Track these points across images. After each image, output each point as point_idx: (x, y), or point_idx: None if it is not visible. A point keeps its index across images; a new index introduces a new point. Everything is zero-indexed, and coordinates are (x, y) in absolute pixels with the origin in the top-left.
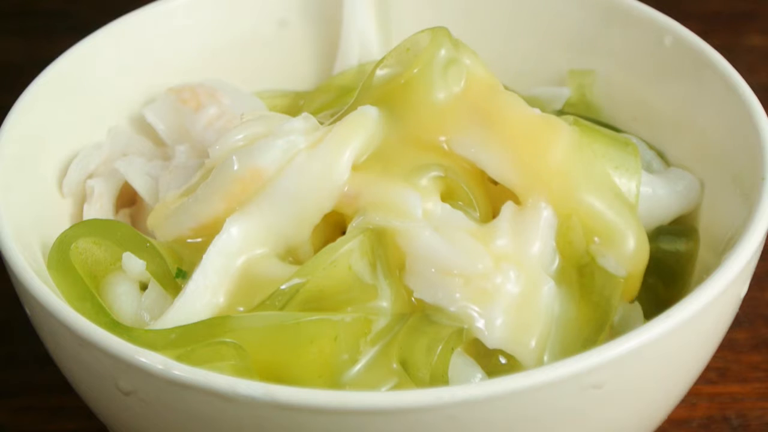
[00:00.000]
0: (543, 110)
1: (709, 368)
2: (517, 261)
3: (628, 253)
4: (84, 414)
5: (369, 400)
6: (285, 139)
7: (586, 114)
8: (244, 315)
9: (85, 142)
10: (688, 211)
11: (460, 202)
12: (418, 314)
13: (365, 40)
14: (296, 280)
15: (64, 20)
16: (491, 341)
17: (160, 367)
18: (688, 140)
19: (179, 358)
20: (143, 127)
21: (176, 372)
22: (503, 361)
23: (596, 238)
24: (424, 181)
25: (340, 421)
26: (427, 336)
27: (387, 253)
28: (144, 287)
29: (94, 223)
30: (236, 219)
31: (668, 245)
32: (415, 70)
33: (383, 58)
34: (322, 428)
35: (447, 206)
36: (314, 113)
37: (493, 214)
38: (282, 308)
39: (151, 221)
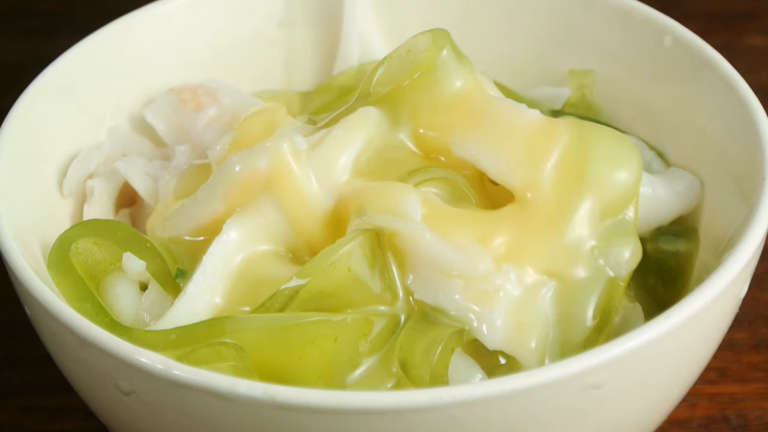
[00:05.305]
0: (543, 110)
1: (709, 368)
2: (518, 262)
3: (623, 259)
4: (84, 414)
5: (369, 400)
6: (285, 141)
7: (586, 114)
8: (244, 316)
9: (85, 142)
10: (688, 211)
11: (461, 204)
12: (418, 315)
13: (365, 40)
14: (296, 282)
15: (64, 20)
16: (491, 342)
17: (160, 367)
18: (688, 140)
19: (179, 359)
20: (143, 127)
21: (176, 372)
22: (503, 361)
23: (594, 241)
24: (424, 183)
25: (340, 421)
26: (426, 337)
27: (386, 254)
28: (144, 287)
29: (94, 223)
30: (236, 220)
31: (668, 245)
32: (417, 74)
33: (383, 60)
34: (322, 428)
35: (447, 207)
36: (314, 113)
37: None
38: (282, 309)
39: (151, 222)
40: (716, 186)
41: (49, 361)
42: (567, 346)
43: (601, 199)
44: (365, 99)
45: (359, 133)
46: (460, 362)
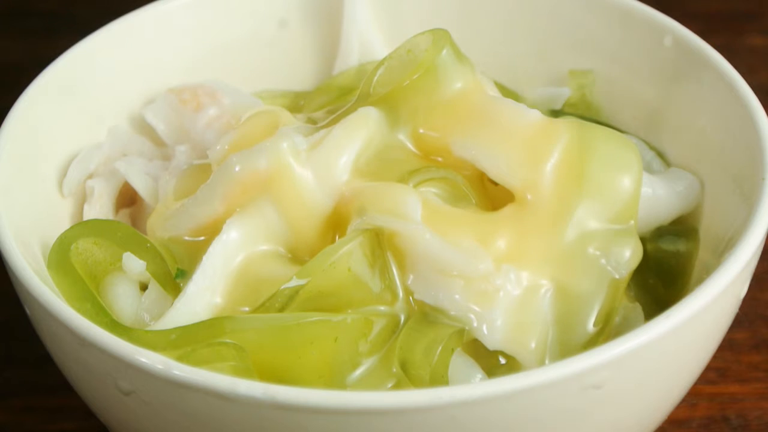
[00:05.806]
0: (543, 110)
1: (709, 368)
2: (518, 262)
3: (623, 258)
4: (84, 414)
5: (369, 400)
6: (285, 141)
7: (586, 114)
8: (244, 316)
9: (85, 142)
10: (688, 211)
11: (461, 204)
12: (418, 315)
13: (365, 40)
14: (296, 282)
15: (64, 20)
16: (491, 343)
17: (160, 367)
18: (688, 140)
19: (179, 359)
20: (143, 127)
21: (176, 372)
22: (503, 361)
23: (594, 241)
24: (424, 183)
25: (340, 421)
26: (426, 337)
27: (386, 254)
28: (144, 287)
29: (94, 223)
30: (236, 220)
31: (668, 245)
32: (417, 74)
33: (383, 60)
34: (322, 428)
35: (448, 208)
36: (314, 113)
37: None
38: (282, 309)
39: (151, 222)
40: (716, 186)
41: (49, 361)
42: (567, 346)
43: (602, 201)
44: (365, 99)
45: (359, 133)
46: (460, 362)
